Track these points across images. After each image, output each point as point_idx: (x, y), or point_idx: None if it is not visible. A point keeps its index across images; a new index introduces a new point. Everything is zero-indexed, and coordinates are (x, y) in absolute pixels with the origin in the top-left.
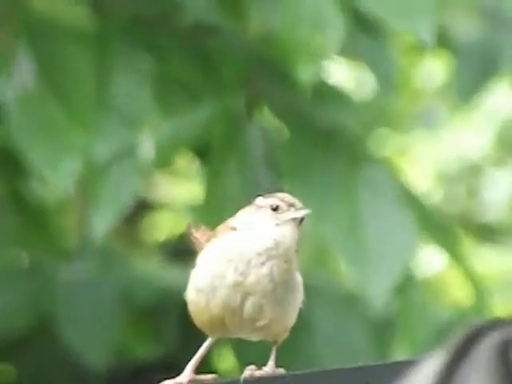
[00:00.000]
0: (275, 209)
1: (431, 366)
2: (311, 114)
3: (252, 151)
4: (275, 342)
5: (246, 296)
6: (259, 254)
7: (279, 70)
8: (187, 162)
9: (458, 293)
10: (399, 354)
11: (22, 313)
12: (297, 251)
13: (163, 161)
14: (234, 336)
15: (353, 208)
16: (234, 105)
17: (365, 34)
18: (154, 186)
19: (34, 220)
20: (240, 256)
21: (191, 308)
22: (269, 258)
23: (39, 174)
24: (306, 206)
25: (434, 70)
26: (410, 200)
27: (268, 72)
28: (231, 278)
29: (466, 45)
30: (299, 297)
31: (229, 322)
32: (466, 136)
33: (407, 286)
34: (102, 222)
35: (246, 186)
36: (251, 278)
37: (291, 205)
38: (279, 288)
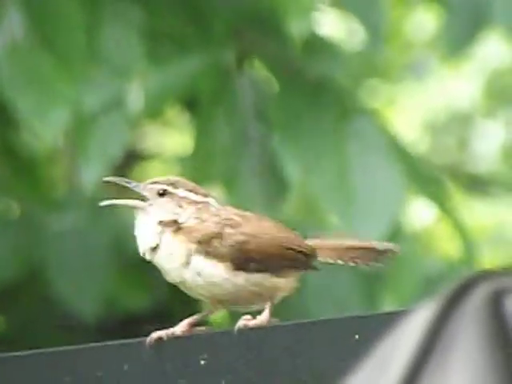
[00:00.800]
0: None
1: (421, 316)
2: (301, 66)
3: (241, 103)
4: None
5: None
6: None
7: (269, 23)
8: (177, 113)
9: (448, 245)
10: (388, 306)
11: (12, 263)
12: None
13: (152, 111)
14: (232, 307)
15: (341, 160)
16: (224, 57)
17: None
18: (144, 136)
19: (24, 170)
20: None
21: None
22: (158, 247)
23: (28, 124)
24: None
25: (424, 21)
26: (398, 152)
27: (258, 24)
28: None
29: None
30: (211, 275)
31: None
32: (455, 86)
33: (396, 237)
34: (91, 173)
35: (235, 137)
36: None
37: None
38: (185, 275)
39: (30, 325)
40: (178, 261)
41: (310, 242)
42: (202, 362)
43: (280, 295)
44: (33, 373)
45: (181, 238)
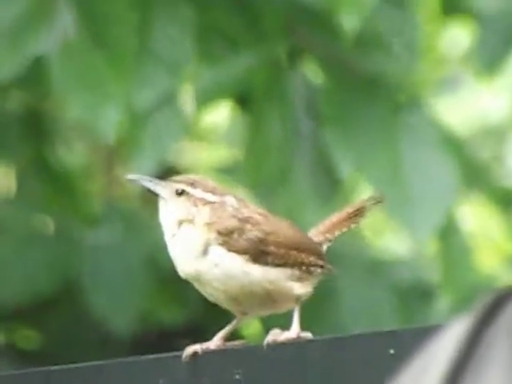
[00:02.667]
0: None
1: (456, 330)
2: (352, 62)
3: (294, 100)
4: (297, 305)
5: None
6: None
7: (321, 19)
8: (214, 127)
9: (502, 245)
10: (441, 306)
11: (48, 278)
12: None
13: (204, 109)
14: (258, 315)
15: (394, 154)
16: (276, 54)
17: (390, 2)
18: (182, 150)
19: (60, 185)
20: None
21: None
22: (172, 239)
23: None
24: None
25: (458, 36)
26: (451, 145)
27: (310, 21)
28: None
29: (490, 12)
30: (231, 267)
31: (232, 302)
32: (489, 101)
33: (450, 232)
34: (144, 169)
35: (288, 133)
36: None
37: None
38: (200, 267)
39: (66, 339)
40: (196, 250)
41: (319, 231)
42: (237, 377)
43: (294, 301)
44: None
45: (200, 228)
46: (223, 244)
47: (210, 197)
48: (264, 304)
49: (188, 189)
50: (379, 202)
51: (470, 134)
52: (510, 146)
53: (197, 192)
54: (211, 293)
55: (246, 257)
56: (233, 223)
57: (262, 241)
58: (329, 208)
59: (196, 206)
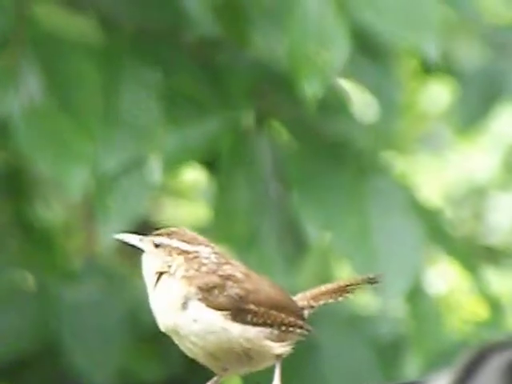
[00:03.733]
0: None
1: None
2: (318, 126)
3: (261, 164)
4: (278, 362)
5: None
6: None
7: (286, 83)
8: (191, 183)
9: (472, 308)
10: (411, 370)
11: (27, 334)
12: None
13: (171, 173)
14: (239, 372)
15: (362, 218)
16: (242, 118)
17: (369, 59)
18: (159, 207)
19: (39, 241)
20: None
21: None
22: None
23: (44, 193)
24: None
25: (438, 94)
26: (418, 209)
27: (275, 85)
28: None
29: (470, 71)
30: (211, 324)
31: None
32: (471, 160)
33: (417, 295)
34: (111, 234)
35: (256, 197)
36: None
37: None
38: (178, 321)
39: None
40: (175, 303)
41: (305, 297)
42: None
43: (272, 360)
44: None
45: (179, 281)
46: (203, 299)
47: (184, 246)
48: (241, 361)
49: (164, 240)
50: (374, 282)
51: (455, 193)
52: (491, 203)
53: (172, 242)
54: (190, 347)
55: (226, 314)
56: (213, 279)
57: (242, 298)
58: (296, 271)
59: (171, 255)
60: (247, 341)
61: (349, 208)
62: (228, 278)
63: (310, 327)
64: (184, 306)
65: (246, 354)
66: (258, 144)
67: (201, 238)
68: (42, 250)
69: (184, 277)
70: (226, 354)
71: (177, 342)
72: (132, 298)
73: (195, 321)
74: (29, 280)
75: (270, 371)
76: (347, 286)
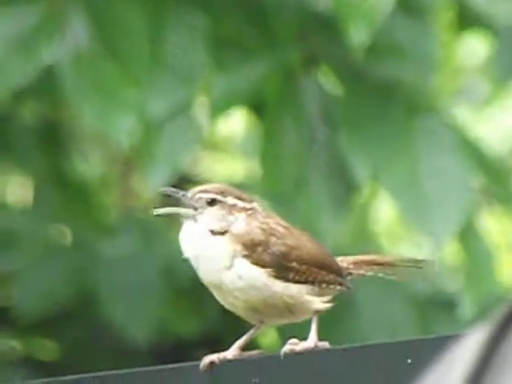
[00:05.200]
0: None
1: (474, 340)
2: (366, 69)
3: (308, 106)
4: (315, 315)
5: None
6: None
7: (334, 27)
8: (229, 137)
9: None
10: (465, 312)
11: (65, 288)
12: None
13: (218, 118)
14: (276, 323)
15: (411, 159)
16: (290, 61)
17: (407, 13)
18: (197, 160)
19: (76, 196)
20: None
21: None
22: (197, 254)
23: (81, 147)
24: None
25: (475, 47)
26: (468, 148)
27: (323, 29)
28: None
29: (507, 25)
30: (254, 278)
31: (250, 312)
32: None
33: (469, 233)
34: (157, 179)
35: (302, 140)
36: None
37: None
38: (224, 278)
39: (83, 349)
40: (222, 263)
41: (346, 260)
42: None
43: (312, 314)
44: None
45: (227, 241)
46: (247, 257)
47: (241, 203)
48: (283, 315)
49: (219, 197)
50: (421, 267)
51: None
52: None
53: (229, 200)
54: (231, 302)
55: (269, 271)
56: (259, 236)
57: (284, 256)
58: (344, 215)
59: (232, 214)
60: (289, 297)
61: (398, 150)
62: (272, 233)
63: (350, 285)
64: (230, 263)
65: (287, 309)
66: (305, 87)
67: (246, 195)
68: (79, 205)
69: (233, 234)
70: (268, 308)
71: (217, 296)
72: (169, 251)
73: (240, 277)
74: (66, 234)
75: (306, 325)
76: (394, 262)
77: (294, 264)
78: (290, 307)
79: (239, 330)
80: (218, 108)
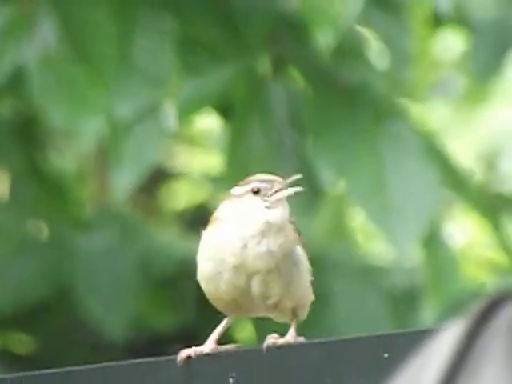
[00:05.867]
0: (257, 192)
1: (451, 334)
2: (334, 73)
3: (276, 111)
4: (295, 317)
5: (251, 276)
6: (253, 236)
7: (302, 31)
8: (204, 131)
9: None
10: (426, 319)
11: (41, 283)
12: (295, 226)
13: (186, 121)
14: (252, 316)
15: (377, 164)
16: (258, 64)
17: (381, 7)
18: (173, 155)
19: (52, 190)
20: (234, 241)
21: (205, 292)
22: (264, 237)
23: (57, 142)
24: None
25: (451, 42)
26: (434, 154)
27: (291, 32)
28: (230, 261)
29: (483, 21)
30: (306, 270)
31: (241, 302)
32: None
33: (433, 242)
34: (124, 182)
35: (270, 146)
36: (250, 258)
37: (272, 181)
38: (282, 263)
39: (59, 344)
40: (287, 247)
41: None
42: (231, 380)
43: (303, 310)
44: None
45: (290, 227)
46: (301, 246)
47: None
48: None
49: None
50: None
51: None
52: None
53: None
54: (240, 285)
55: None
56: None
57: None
58: (311, 218)
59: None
60: (311, 294)
61: (364, 154)
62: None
63: None
64: (292, 249)
65: (298, 303)
66: (273, 91)
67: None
68: (55, 199)
69: (291, 221)
70: (287, 299)
71: (223, 276)
72: (146, 245)
73: (296, 265)
74: (42, 229)
75: (284, 322)
76: None
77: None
78: (302, 302)
79: (215, 324)
80: (186, 110)
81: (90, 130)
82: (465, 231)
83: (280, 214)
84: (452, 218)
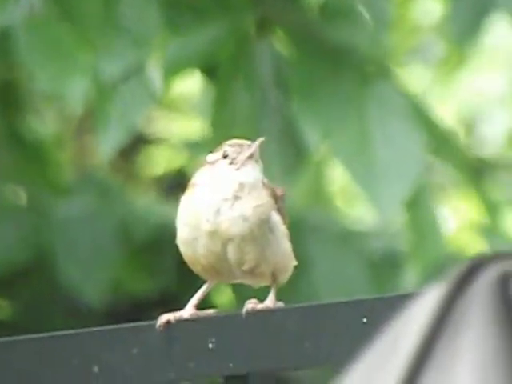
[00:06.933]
0: (227, 156)
1: (429, 298)
2: (320, 32)
3: (261, 71)
4: (274, 282)
5: (226, 242)
6: (226, 200)
7: None
8: (185, 96)
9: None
10: (408, 281)
11: (20, 248)
12: (271, 191)
13: (171, 81)
14: (232, 281)
15: (362, 125)
16: (243, 24)
17: None
18: (152, 120)
19: (31, 155)
20: (208, 207)
21: (183, 257)
22: (237, 199)
23: (36, 106)
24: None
25: (430, 7)
26: (420, 116)
27: None
28: (205, 227)
29: None
30: (282, 236)
31: (218, 267)
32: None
33: (417, 201)
34: (110, 142)
35: (255, 106)
36: (224, 224)
37: (241, 145)
38: (256, 229)
39: (37, 310)
40: (263, 213)
41: None
42: (210, 346)
43: (282, 275)
44: (40, 356)
45: (266, 191)
46: (277, 211)
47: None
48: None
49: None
50: None
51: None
52: (483, 116)
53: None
54: (216, 251)
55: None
56: (280, 191)
57: (285, 217)
58: (295, 179)
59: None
60: (292, 259)
61: (349, 115)
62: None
63: None
64: (268, 216)
65: (275, 268)
66: (258, 51)
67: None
68: (33, 164)
69: (267, 187)
70: (263, 263)
71: (200, 242)
72: (125, 211)
73: (272, 231)
74: (20, 194)
75: (264, 287)
76: None
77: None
78: (280, 267)
79: (195, 289)
80: (171, 70)
81: (77, 91)
82: (453, 203)
83: (250, 173)
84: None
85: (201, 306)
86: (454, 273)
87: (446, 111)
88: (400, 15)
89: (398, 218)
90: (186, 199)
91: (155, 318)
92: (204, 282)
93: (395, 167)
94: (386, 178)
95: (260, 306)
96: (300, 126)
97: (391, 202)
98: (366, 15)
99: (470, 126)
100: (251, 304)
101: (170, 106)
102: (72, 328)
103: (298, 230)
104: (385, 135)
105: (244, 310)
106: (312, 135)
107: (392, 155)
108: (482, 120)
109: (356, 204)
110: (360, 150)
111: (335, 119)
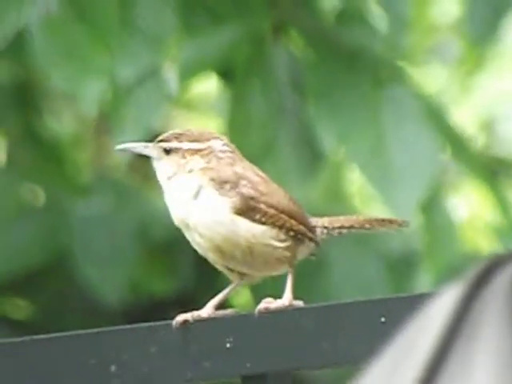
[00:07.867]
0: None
1: (447, 298)
2: (336, 36)
3: (277, 74)
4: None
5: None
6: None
7: None
8: (202, 96)
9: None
10: (423, 284)
11: (38, 248)
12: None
13: (187, 83)
14: (253, 273)
15: (377, 128)
16: (260, 27)
17: None
18: (169, 119)
19: (49, 155)
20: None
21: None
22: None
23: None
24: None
25: (448, 6)
26: (434, 118)
27: None
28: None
29: None
30: (245, 229)
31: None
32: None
33: (432, 205)
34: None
35: (271, 108)
36: (193, 228)
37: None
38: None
39: (56, 309)
40: (189, 193)
41: (321, 221)
42: (228, 345)
43: (279, 264)
44: (59, 356)
45: (196, 175)
46: (215, 189)
47: (196, 145)
48: (246, 260)
49: (174, 144)
50: (400, 226)
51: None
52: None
53: (183, 145)
54: (199, 241)
55: (235, 206)
56: (228, 173)
57: (253, 199)
58: (311, 182)
59: (184, 157)
60: (253, 236)
61: (365, 118)
62: (242, 177)
63: (318, 239)
64: (197, 194)
65: (250, 251)
66: (274, 54)
67: (208, 131)
68: (52, 164)
69: (199, 169)
70: (231, 247)
71: (188, 237)
72: (143, 211)
73: (206, 209)
74: (39, 194)
75: (280, 285)
76: (368, 222)
77: (262, 206)
78: (252, 248)
79: (213, 289)
80: (187, 73)
81: (93, 92)
82: (469, 203)
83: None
84: (456, 190)
85: (219, 306)
86: (470, 273)
87: (464, 111)
88: (417, 15)
89: (414, 219)
90: None
91: (173, 317)
92: (223, 283)
93: (410, 170)
94: (401, 181)
95: (274, 306)
96: (316, 129)
97: (407, 203)
98: (383, 17)
99: (487, 125)
100: (265, 304)
101: (187, 105)
102: (90, 327)
103: None
104: (400, 138)
105: (257, 310)
106: (328, 139)
107: (407, 158)
108: (501, 120)
109: (373, 204)
110: (375, 153)
111: (351, 123)
